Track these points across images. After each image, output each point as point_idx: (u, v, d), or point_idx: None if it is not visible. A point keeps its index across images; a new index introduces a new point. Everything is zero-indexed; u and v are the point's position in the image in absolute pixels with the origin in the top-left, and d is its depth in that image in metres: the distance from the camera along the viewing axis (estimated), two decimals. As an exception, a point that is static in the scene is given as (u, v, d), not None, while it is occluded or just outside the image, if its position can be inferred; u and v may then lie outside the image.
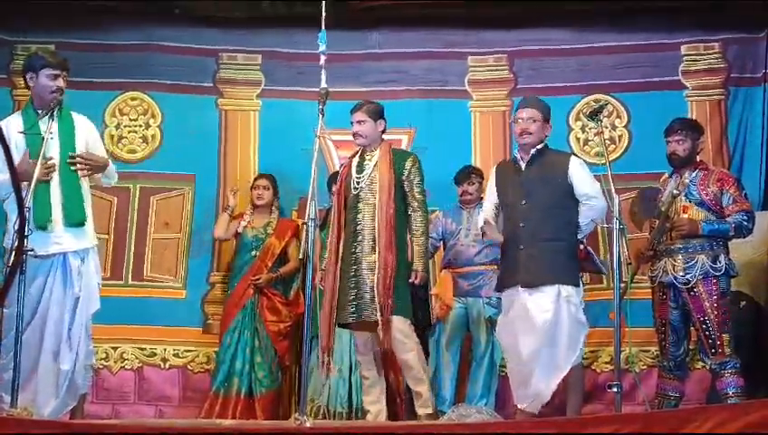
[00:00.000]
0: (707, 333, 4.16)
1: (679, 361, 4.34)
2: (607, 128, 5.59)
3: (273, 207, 5.51)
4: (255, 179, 5.54)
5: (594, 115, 4.19)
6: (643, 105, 5.61)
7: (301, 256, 3.75)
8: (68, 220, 3.92)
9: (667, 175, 4.53)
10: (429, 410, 4.27)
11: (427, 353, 5.12)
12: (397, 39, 5.83)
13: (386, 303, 4.22)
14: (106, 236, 5.60)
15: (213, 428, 3.83)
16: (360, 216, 4.39)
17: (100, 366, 5.39)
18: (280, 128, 5.75)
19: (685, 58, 5.66)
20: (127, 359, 5.48)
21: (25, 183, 3.57)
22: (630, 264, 3.99)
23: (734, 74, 5.60)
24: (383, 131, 4.56)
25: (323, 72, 3.92)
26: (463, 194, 5.24)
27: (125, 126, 5.81)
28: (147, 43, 5.80)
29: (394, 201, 4.36)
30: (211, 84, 5.86)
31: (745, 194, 4.33)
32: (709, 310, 4.16)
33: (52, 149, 3.88)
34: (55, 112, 3.86)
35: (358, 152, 4.58)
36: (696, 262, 4.20)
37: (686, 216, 4.26)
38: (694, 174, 4.34)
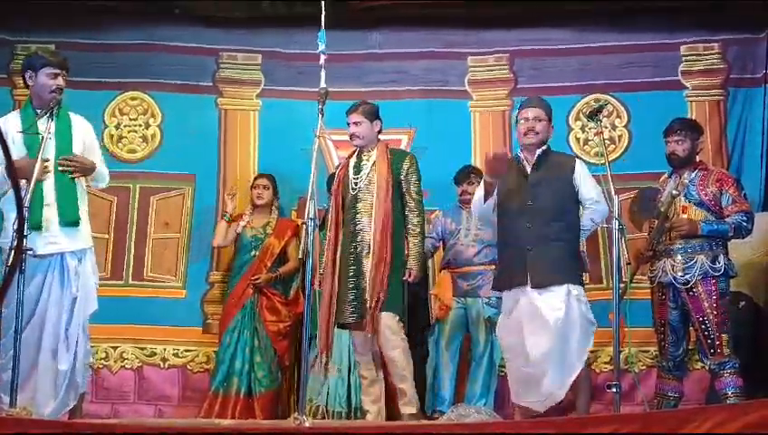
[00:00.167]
0: (706, 333, 4.16)
1: (678, 361, 4.34)
2: (607, 128, 5.59)
3: (273, 207, 5.51)
4: (255, 179, 5.54)
5: (594, 115, 4.19)
6: (643, 105, 5.61)
7: (300, 256, 3.74)
8: (62, 220, 3.92)
9: (666, 175, 4.53)
10: (413, 410, 4.27)
11: (426, 354, 5.15)
12: (397, 39, 5.83)
13: (377, 297, 4.22)
14: (106, 236, 5.62)
15: (212, 427, 3.82)
16: (358, 216, 4.40)
17: (100, 366, 5.41)
18: (280, 128, 5.75)
19: (684, 58, 5.66)
20: (127, 358, 5.49)
21: (23, 182, 3.57)
22: (630, 264, 4.00)
23: (733, 75, 5.60)
24: (379, 131, 4.57)
25: (323, 71, 3.92)
26: (462, 194, 5.24)
27: (125, 126, 5.81)
28: (147, 42, 5.80)
29: (391, 200, 4.36)
30: (211, 84, 5.87)
31: (745, 194, 4.33)
32: (708, 310, 4.16)
33: (50, 149, 3.88)
34: (54, 112, 3.86)
35: (354, 153, 4.58)
36: (696, 262, 4.20)
37: (685, 216, 4.26)
38: (693, 174, 4.34)
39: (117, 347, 5.48)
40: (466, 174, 5.26)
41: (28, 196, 3.60)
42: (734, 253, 4.43)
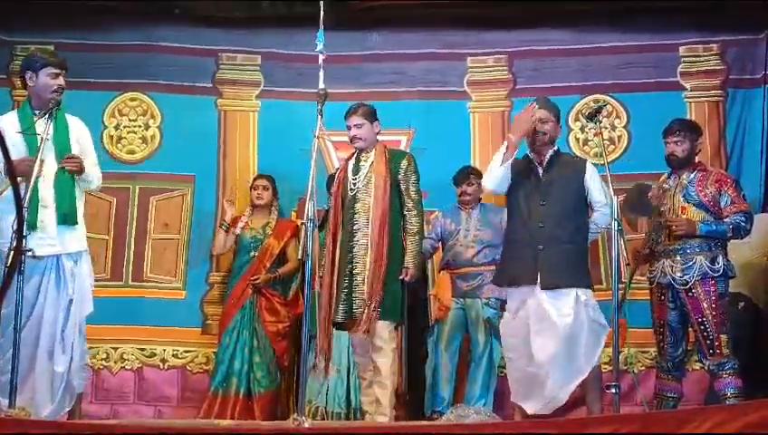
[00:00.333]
0: (705, 333, 4.16)
1: (677, 361, 4.34)
2: (606, 128, 5.60)
3: (273, 208, 5.51)
4: (255, 179, 5.54)
5: (593, 116, 4.20)
6: (643, 106, 5.61)
7: (299, 257, 3.74)
8: (60, 218, 3.92)
9: (665, 176, 4.53)
10: (385, 419, 4.24)
11: (425, 354, 5.15)
12: (396, 40, 5.83)
13: (374, 298, 4.22)
14: (106, 237, 5.62)
15: (211, 428, 3.82)
16: (356, 216, 4.40)
17: (101, 367, 5.41)
18: (279, 129, 5.75)
19: (684, 59, 5.66)
20: (127, 359, 5.49)
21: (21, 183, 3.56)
22: (629, 265, 4.00)
23: (732, 76, 5.60)
24: (378, 132, 4.57)
25: (321, 71, 3.93)
26: (462, 194, 5.24)
27: (124, 126, 5.81)
28: (146, 43, 5.80)
29: (389, 201, 4.36)
30: (210, 85, 5.87)
31: (744, 195, 4.32)
32: (707, 311, 4.16)
33: (48, 150, 3.87)
34: (53, 112, 3.86)
35: (354, 154, 4.58)
36: (695, 263, 4.20)
37: (684, 216, 4.26)
38: (692, 175, 4.34)
39: (118, 348, 5.49)
40: (466, 175, 5.26)
41: (27, 196, 3.60)
42: (733, 254, 4.43)
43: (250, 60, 5.89)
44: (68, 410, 3.98)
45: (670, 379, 4.34)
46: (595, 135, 4.53)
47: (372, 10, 5.63)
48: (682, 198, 4.30)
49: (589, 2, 5.57)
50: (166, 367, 5.50)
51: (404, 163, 4.46)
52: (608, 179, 3.93)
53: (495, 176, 4.26)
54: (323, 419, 4.92)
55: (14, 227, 3.35)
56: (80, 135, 4.11)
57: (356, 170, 4.49)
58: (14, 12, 5.52)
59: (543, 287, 4.08)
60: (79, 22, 5.70)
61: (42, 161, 3.75)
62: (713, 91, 5.61)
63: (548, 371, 4.04)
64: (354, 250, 4.36)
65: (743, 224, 4.23)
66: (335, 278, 4.39)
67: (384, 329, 4.29)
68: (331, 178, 5.10)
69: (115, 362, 5.47)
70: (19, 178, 3.44)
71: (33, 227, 3.79)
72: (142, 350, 5.51)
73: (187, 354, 5.52)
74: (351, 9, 5.53)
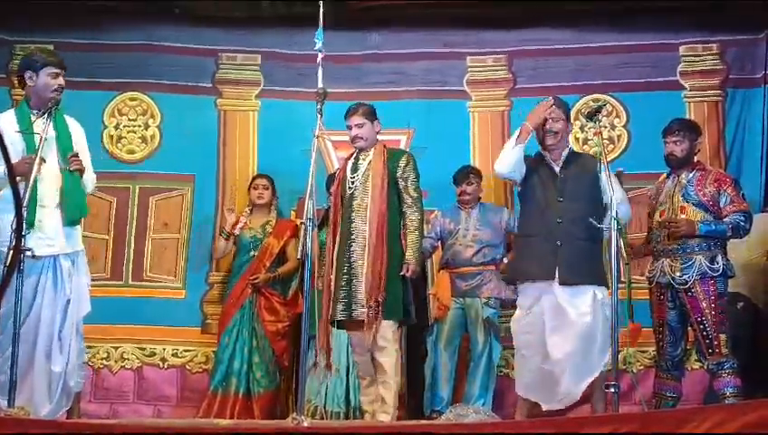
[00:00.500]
0: (705, 333, 4.16)
1: (677, 361, 4.34)
2: (606, 127, 5.61)
3: (272, 207, 5.51)
4: (255, 179, 5.54)
5: (593, 115, 4.20)
6: (642, 105, 5.61)
7: (299, 256, 3.74)
8: (68, 220, 3.93)
9: (664, 175, 4.53)
10: (388, 418, 4.24)
11: (424, 354, 5.15)
12: (396, 39, 5.83)
13: (375, 300, 4.22)
14: (106, 237, 5.63)
15: (211, 427, 3.82)
16: (353, 214, 4.40)
17: (101, 366, 5.41)
18: (279, 128, 5.75)
19: (683, 59, 5.67)
20: (127, 358, 5.49)
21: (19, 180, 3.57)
22: (628, 264, 4.00)
23: (732, 76, 5.60)
24: (378, 132, 4.57)
25: (320, 69, 3.93)
26: (461, 194, 5.24)
27: (124, 126, 5.81)
28: (146, 43, 5.81)
29: (387, 199, 4.36)
30: (210, 84, 5.87)
31: (743, 194, 4.32)
32: (706, 310, 4.16)
33: (48, 149, 3.87)
34: (52, 112, 3.87)
35: (353, 153, 4.59)
36: (694, 262, 4.20)
37: (683, 216, 4.26)
38: (691, 175, 4.34)
39: (118, 347, 5.49)
40: (465, 174, 5.26)
41: (26, 195, 3.60)
42: (732, 253, 4.43)
43: (250, 60, 5.89)
44: (66, 409, 3.98)
45: (669, 378, 4.34)
46: (594, 134, 4.52)
47: (372, 10, 5.63)
48: (681, 198, 4.31)
49: (589, 2, 5.57)
50: (165, 366, 5.50)
51: (402, 161, 4.46)
52: (607, 178, 3.93)
53: (508, 158, 4.28)
54: (322, 418, 4.92)
55: (14, 227, 3.35)
56: (77, 136, 4.11)
57: (354, 169, 4.49)
58: (15, 11, 5.52)
59: (562, 283, 4.10)
60: (79, 21, 5.70)
61: (41, 160, 3.76)
62: (712, 91, 5.61)
63: (564, 368, 4.07)
64: (352, 249, 4.36)
65: (742, 223, 4.22)
66: (335, 277, 4.39)
67: (387, 328, 4.29)
68: (331, 177, 5.11)
69: (115, 362, 5.47)
70: (18, 178, 3.45)
71: (31, 225, 3.79)
72: (142, 349, 5.51)
73: (187, 354, 5.53)
74: (351, 9, 5.53)
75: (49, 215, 3.90)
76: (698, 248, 4.21)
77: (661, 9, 5.57)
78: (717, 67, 5.64)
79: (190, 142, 5.77)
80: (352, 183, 4.45)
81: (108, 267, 5.58)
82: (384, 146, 4.56)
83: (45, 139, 3.80)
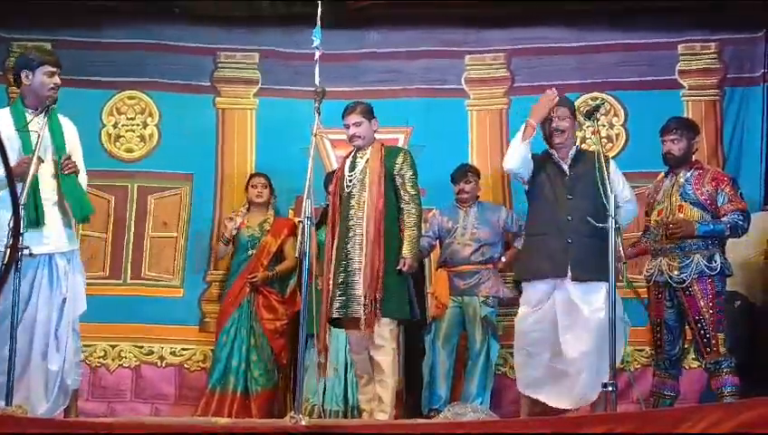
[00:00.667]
0: (702, 332, 4.15)
1: (674, 359, 4.33)
2: (604, 126, 5.61)
3: (270, 206, 5.51)
4: (252, 177, 5.53)
5: (591, 114, 4.20)
6: (640, 104, 5.61)
7: (297, 255, 3.75)
8: (78, 216, 3.97)
9: (662, 174, 4.53)
10: (385, 417, 4.25)
11: (422, 352, 5.15)
12: (394, 38, 5.83)
13: (372, 297, 4.22)
14: (104, 235, 5.62)
15: (208, 426, 3.82)
16: (351, 212, 4.40)
17: (98, 364, 5.41)
18: (277, 127, 5.75)
19: (681, 58, 5.66)
20: (125, 357, 5.49)
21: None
22: (626, 263, 3.99)
23: (730, 75, 5.60)
24: (376, 130, 4.57)
25: (317, 67, 3.93)
26: (459, 192, 5.24)
27: (123, 125, 5.81)
28: (145, 42, 5.81)
29: (384, 196, 4.36)
30: (209, 83, 5.86)
31: (741, 193, 4.31)
32: (704, 309, 4.15)
33: (44, 148, 3.87)
34: (49, 110, 3.87)
35: (351, 152, 4.59)
36: (692, 261, 4.19)
37: (681, 215, 4.25)
38: (689, 173, 4.33)
39: (116, 346, 5.49)
40: (463, 172, 5.26)
41: (24, 194, 3.60)
42: (732, 253, 4.43)
43: (248, 58, 5.89)
44: (63, 407, 3.98)
45: (667, 377, 4.33)
46: (593, 133, 4.53)
47: (370, 8, 5.63)
48: (679, 197, 4.30)
49: (588, 1, 5.57)
50: (163, 365, 5.50)
51: (399, 159, 4.46)
52: (605, 177, 3.93)
53: (516, 153, 4.28)
54: (321, 417, 4.91)
55: (11, 225, 3.34)
56: (70, 135, 4.11)
57: (352, 167, 4.49)
58: (15, 11, 5.53)
59: (574, 279, 4.11)
60: (78, 20, 5.71)
61: (39, 159, 3.76)
62: (710, 90, 5.61)
63: (580, 368, 4.07)
64: (350, 247, 4.36)
65: (740, 222, 4.22)
66: (332, 278, 4.39)
67: (385, 327, 4.29)
68: (329, 175, 5.11)
69: (113, 360, 5.47)
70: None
71: (37, 224, 3.80)
72: (140, 347, 5.51)
73: (185, 352, 5.53)
74: (350, 8, 5.54)
75: (47, 213, 3.90)
76: (696, 247, 4.21)
77: (660, 9, 5.57)
78: (715, 66, 5.64)
79: (189, 141, 5.78)
80: (350, 181, 4.45)
81: (106, 266, 5.58)
82: (381, 144, 4.56)
83: (42, 137, 3.79)
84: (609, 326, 3.76)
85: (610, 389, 3.68)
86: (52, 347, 3.88)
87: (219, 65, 5.88)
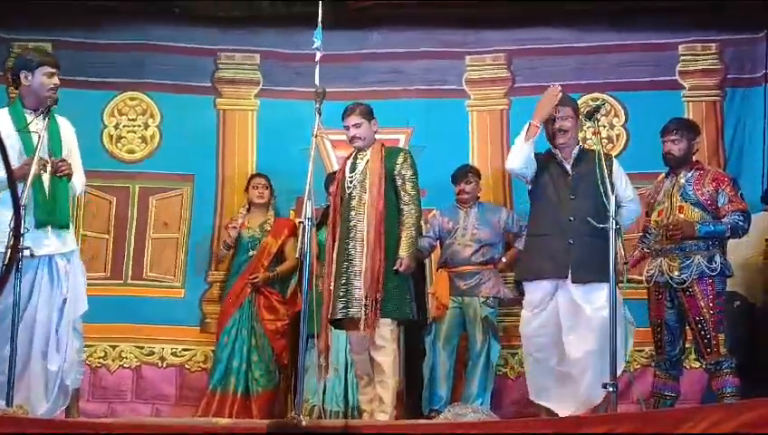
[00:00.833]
0: (703, 332, 4.14)
1: (675, 360, 4.33)
2: (605, 127, 5.61)
3: (270, 207, 5.52)
4: (254, 178, 5.53)
5: (591, 114, 4.20)
6: (641, 105, 5.61)
7: (297, 255, 3.75)
8: (55, 222, 3.92)
9: (663, 175, 4.53)
10: (386, 418, 4.24)
11: (423, 353, 5.15)
12: (395, 39, 5.83)
13: (373, 298, 4.22)
14: (105, 236, 5.64)
15: (209, 426, 3.82)
16: (352, 213, 4.40)
17: (98, 365, 5.42)
18: (278, 127, 5.75)
19: (682, 58, 5.66)
20: (125, 357, 5.50)
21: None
22: (626, 263, 4.00)
23: (730, 75, 5.60)
24: (376, 131, 4.57)
25: (317, 68, 3.93)
26: (460, 193, 5.24)
27: (124, 126, 5.82)
28: (146, 42, 5.82)
29: (384, 197, 4.36)
30: (209, 84, 5.87)
31: (741, 194, 4.30)
32: (705, 310, 4.15)
33: (44, 149, 3.87)
34: (50, 111, 3.87)
35: (352, 153, 4.59)
36: (692, 262, 4.18)
37: (681, 216, 4.25)
38: (689, 174, 4.33)
39: (116, 346, 5.50)
40: (464, 173, 5.26)
41: (24, 195, 3.61)
42: (733, 254, 4.43)
43: (249, 59, 5.89)
44: (63, 407, 3.98)
45: (668, 377, 4.32)
46: (593, 134, 4.53)
47: (371, 9, 5.63)
48: (679, 197, 4.29)
49: (588, 1, 5.56)
50: (164, 365, 5.51)
51: (399, 159, 4.46)
52: (605, 178, 3.93)
53: (520, 153, 4.27)
54: (321, 417, 4.92)
55: (11, 226, 3.35)
56: (68, 137, 4.10)
57: (353, 169, 4.50)
58: (15, 11, 5.53)
59: (575, 281, 4.11)
60: (79, 21, 5.71)
61: (41, 159, 3.76)
62: (710, 91, 5.61)
63: (583, 368, 4.06)
64: (350, 248, 4.36)
65: (740, 223, 4.21)
66: (333, 279, 4.39)
67: (385, 327, 4.29)
68: (330, 176, 5.11)
69: (113, 361, 5.48)
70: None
71: (44, 224, 3.80)
72: (141, 348, 5.52)
73: (186, 353, 5.53)
74: (350, 8, 5.54)
75: (43, 215, 3.90)
76: (696, 248, 4.20)
77: (661, 9, 5.56)
78: (716, 67, 5.64)
79: (190, 142, 5.78)
80: (351, 182, 4.46)
81: (108, 266, 5.59)
82: (382, 145, 4.56)
83: (43, 138, 3.79)
84: (610, 327, 3.76)
85: (611, 389, 3.68)
86: (52, 347, 3.88)
87: (220, 66, 5.89)
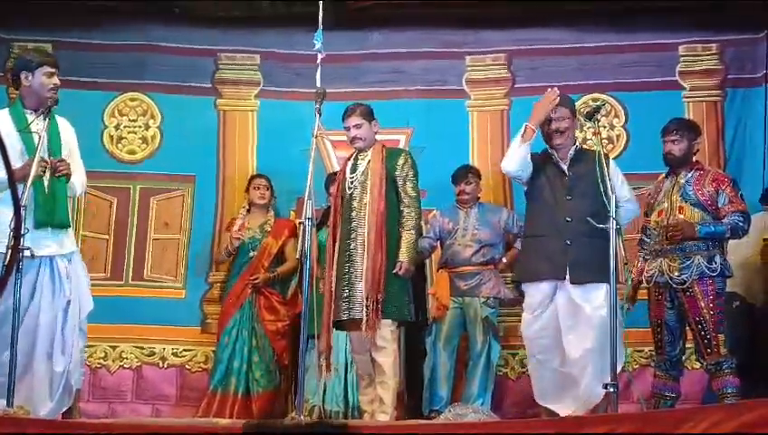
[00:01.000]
0: (703, 333, 4.14)
1: (675, 360, 4.32)
2: (605, 127, 5.61)
3: (270, 207, 5.52)
4: (254, 179, 5.53)
5: (592, 115, 4.21)
6: (641, 105, 5.60)
7: (298, 256, 3.75)
8: (54, 222, 3.92)
9: (663, 175, 4.52)
10: (386, 418, 4.25)
11: (423, 353, 5.15)
12: (395, 39, 5.83)
13: (374, 299, 4.22)
14: (106, 237, 5.65)
15: (209, 427, 3.82)
16: (353, 214, 4.40)
17: (98, 365, 5.42)
18: (278, 128, 5.76)
19: (682, 59, 5.66)
20: (126, 358, 5.50)
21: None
22: (627, 264, 3.99)
23: (731, 76, 5.60)
24: (376, 131, 4.58)
25: (318, 69, 3.94)
26: (460, 193, 5.24)
27: (124, 127, 5.82)
28: (146, 43, 5.82)
29: (385, 198, 4.36)
30: (210, 85, 5.87)
31: (741, 195, 4.30)
32: (705, 310, 4.14)
33: (44, 149, 3.87)
34: (50, 111, 3.88)
35: (353, 154, 4.59)
36: (692, 262, 4.18)
37: (681, 216, 4.25)
38: (689, 174, 4.33)
39: (116, 347, 5.50)
40: (464, 174, 5.26)
41: (25, 196, 3.61)
42: (733, 254, 4.43)
43: (249, 59, 5.90)
44: (67, 407, 3.98)
45: (668, 378, 4.32)
46: (593, 134, 4.53)
47: (371, 9, 5.63)
48: (679, 198, 4.29)
49: (588, 1, 5.56)
50: (165, 366, 5.51)
51: (400, 160, 4.47)
52: (606, 178, 3.93)
53: (516, 155, 4.27)
54: (321, 417, 4.91)
55: (12, 226, 3.35)
56: (69, 138, 4.11)
57: (353, 169, 4.50)
58: (15, 11, 5.53)
59: (573, 282, 4.11)
60: (79, 21, 5.71)
61: (42, 159, 3.77)
62: (711, 91, 5.62)
63: (583, 367, 4.06)
64: (351, 248, 4.37)
65: (740, 224, 4.21)
66: (334, 280, 4.39)
67: (386, 328, 4.29)
68: (330, 177, 5.12)
69: (113, 361, 5.48)
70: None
71: (45, 224, 3.80)
72: (141, 349, 5.52)
73: (187, 353, 5.54)
74: (350, 9, 5.54)
75: (42, 215, 3.90)
76: (696, 248, 4.20)
77: (661, 9, 5.56)
78: (716, 67, 5.64)
79: (190, 143, 5.79)
80: (351, 183, 4.46)
81: (108, 267, 5.59)
82: (383, 146, 4.56)
83: (43, 139, 3.80)
84: (611, 328, 3.76)
85: (611, 389, 3.68)
86: (58, 349, 3.88)
87: (220, 67, 5.89)
